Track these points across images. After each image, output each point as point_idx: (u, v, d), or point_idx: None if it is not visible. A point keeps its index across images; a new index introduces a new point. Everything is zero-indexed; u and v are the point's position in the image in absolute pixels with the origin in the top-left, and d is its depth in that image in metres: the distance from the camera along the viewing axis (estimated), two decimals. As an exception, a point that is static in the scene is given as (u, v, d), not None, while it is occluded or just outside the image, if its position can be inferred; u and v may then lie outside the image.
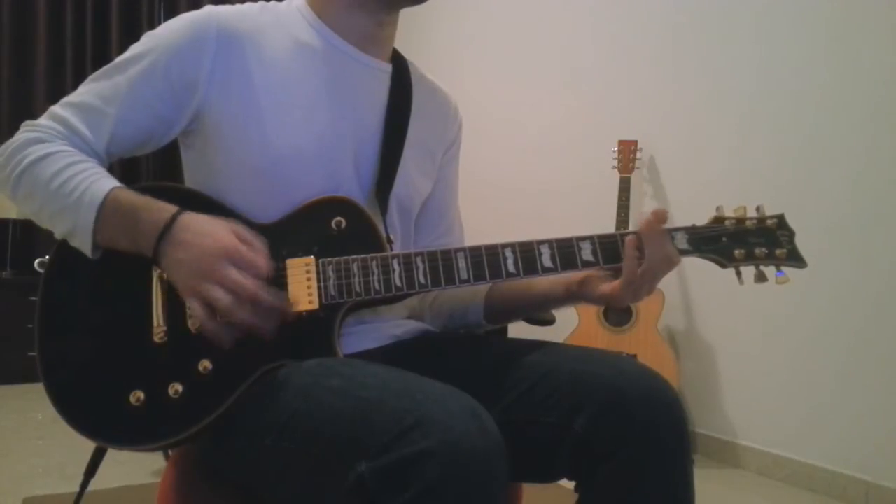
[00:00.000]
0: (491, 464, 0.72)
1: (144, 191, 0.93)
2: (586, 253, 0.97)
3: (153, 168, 4.33)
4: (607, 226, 2.81)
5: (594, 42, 3.33)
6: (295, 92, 1.00)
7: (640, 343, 2.74)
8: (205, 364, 0.90)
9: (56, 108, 0.99)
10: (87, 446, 0.92)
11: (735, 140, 2.75)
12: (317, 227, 0.96)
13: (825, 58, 2.50)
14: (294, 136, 0.98)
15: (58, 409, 0.89)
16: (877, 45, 2.37)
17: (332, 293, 0.92)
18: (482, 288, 1.12)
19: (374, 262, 0.94)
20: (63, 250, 0.94)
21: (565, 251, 0.97)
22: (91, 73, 1.01)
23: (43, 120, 0.98)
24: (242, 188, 0.98)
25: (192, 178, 1.05)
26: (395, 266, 0.94)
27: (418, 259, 0.94)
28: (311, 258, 0.93)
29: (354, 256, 0.94)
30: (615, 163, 2.89)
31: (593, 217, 3.19)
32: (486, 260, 0.95)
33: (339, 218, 0.97)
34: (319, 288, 0.92)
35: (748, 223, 1.02)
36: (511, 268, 0.96)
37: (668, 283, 2.85)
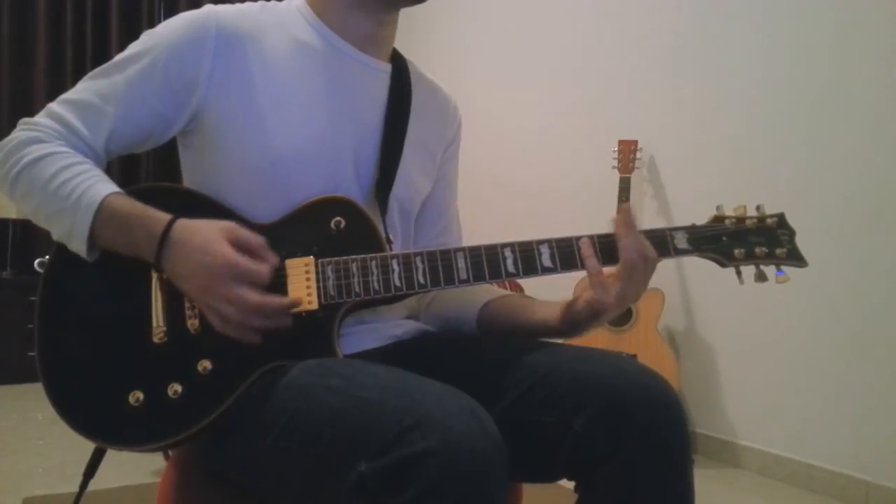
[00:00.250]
0: (490, 464, 0.72)
1: (143, 192, 0.93)
2: (586, 252, 0.97)
3: (152, 167, 4.33)
4: (607, 226, 2.80)
5: (594, 42, 3.33)
6: (294, 92, 1.00)
7: (640, 343, 2.74)
8: (204, 364, 0.90)
9: (54, 106, 0.99)
10: (87, 446, 0.92)
11: (735, 140, 2.74)
12: (316, 227, 0.96)
13: (825, 58, 2.49)
14: (293, 135, 0.98)
15: (57, 410, 0.89)
16: (877, 46, 2.37)
17: (332, 293, 0.92)
18: (476, 299, 1.11)
19: (374, 263, 0.94)
20: (63, 251, 0.94)
21: (565, 251, 0.97)
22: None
23: (41, 118, 0.98)
24: (241, 188, 0.98)
25: (191, 177, 1.05)
26: (395, 266, 0.94)
27: (417, 259, 0.94)
28: (311, 258, 0.93)
29: (354, 256, 0.94)
30: (615, 163, 2.89)
31: (593, 217, 3.19)
32: (486, 260, 0.95)
33: (338, 218, 0.97)
34: (319, 288, 0.92)
35: (748, 222, 1.02)
36: (511, 267, 0.96)
37: (668, 284, 2.85)
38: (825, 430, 2.47)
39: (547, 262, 0.96)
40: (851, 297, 2.41)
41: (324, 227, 0.96)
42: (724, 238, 1.01)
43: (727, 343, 2.79)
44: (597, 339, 2.76)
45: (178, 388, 0.89)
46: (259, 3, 1.06)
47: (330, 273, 0.93)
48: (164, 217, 0.90)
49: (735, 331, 2.75)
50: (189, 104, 0.98)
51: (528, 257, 0.96)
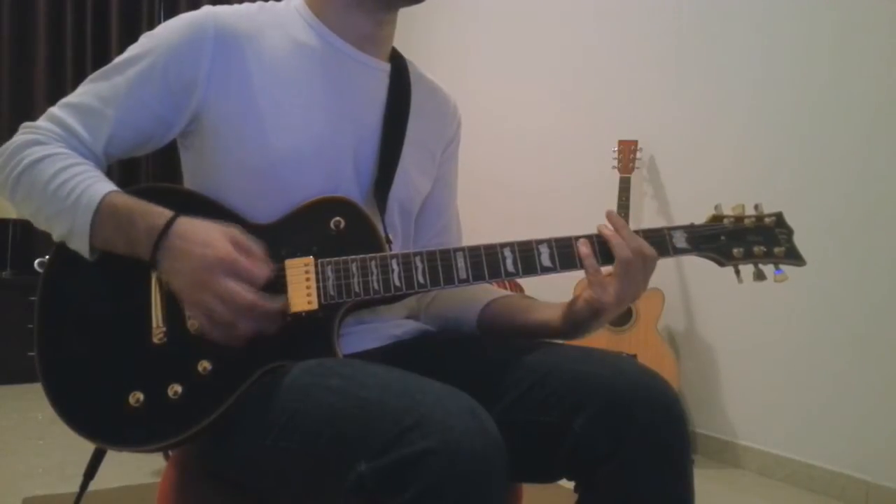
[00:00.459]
0: (490, 464, 0.72)
1: (143, 193, 0.93)
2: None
3: (152, 169, 4.33)
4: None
5: (594, 42, 3.33)
6: (293, 92, 1.00)
7: (640, 343, 2.74)
8: (204, 365, 0.90)
9: (54, 110, 0.99)
10: (87, 446, 0.92)
11: (735, 140, 2.74)
12: (316, 227, 0.96)
13: (825, 57, 2.49)
14: (293, 136, 0.98)
15: (56, 410, 0.89)
16: (877, 46, 2.37)
17: (332, 293, 0.92)
18: (477, 300, 1.11)
19: (373, 262, 0.94)
20: (62, 251, 0.94)
21: (564, 251, 0.97)
22: (91, 74, 1.01)
23: (41, 122, 0.98)
24: (241, 188, 0.98)
25: (191, 178, 1.05)
26: (394, 266, 0.94)
27: (417, 259, 0.94)
28: (310, 258, 0.93)
29: (353, 256, 0.94)
30: (615, 163, 2.89)
31: (593, 217, 3.17)
32: (486, 259, 0.95)
33: (337, 218, 0.97)
34: (318, 288, 0.92)
35: (746, 221, 1.02)
36: (510, 267, 0.96)
37: (668, 283, 2.85)
38: (825, 430, 2.47)
39: (546, 262, 0.96)
40: (851, 297, 2.41)
41: (323, 227, 0.96)
42: (723, 237, 1.01)
43: (727, 343, 2.79)
44: (597, 339, 2.76)
45: (178, 388, 0.89)
46: (257, 3, 1.06)
47: (330, 273, 0.93)
48: (167, 212, 0.90)
49: (735, 331, 2.75)
50: (188, 105, 0.98)
51: (527, 257, 0.96)
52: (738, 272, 1.01)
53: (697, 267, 2.72)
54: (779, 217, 1.03)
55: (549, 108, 3.54)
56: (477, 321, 1.10)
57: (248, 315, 0.87)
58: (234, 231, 0.90)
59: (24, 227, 3.82)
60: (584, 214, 3.28)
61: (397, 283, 0.93)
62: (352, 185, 1.02)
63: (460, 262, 0.95)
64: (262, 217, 0.97)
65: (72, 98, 0.99)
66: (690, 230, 1.00)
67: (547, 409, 0.89)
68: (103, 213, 0.90)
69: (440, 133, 1.17)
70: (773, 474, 2.60)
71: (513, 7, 3.76)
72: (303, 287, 0.92)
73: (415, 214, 1.13)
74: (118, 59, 1.00)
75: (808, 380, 2.52)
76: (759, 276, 1.01)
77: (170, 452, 1.04)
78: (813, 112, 2.52)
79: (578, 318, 1.00)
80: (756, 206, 1.04)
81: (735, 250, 1.00)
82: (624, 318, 2.77)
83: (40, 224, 0.95)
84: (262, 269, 0.89)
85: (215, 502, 0.97)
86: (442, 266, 0.95)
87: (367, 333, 1.02)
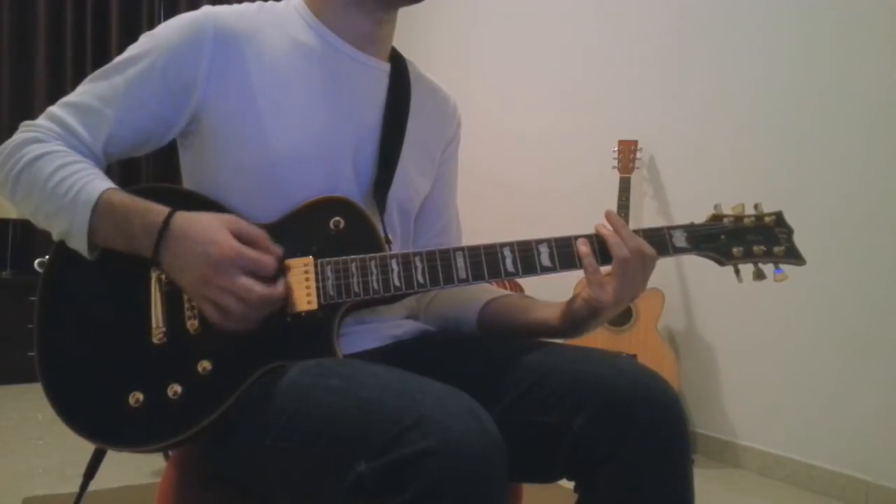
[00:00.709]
0: (490, 464, 0.72)
1: (143, 193, 0.93)
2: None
3: (152, 169, 4.33)
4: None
5: (594, 42, 3.33)
6: (293, 92, 1.00)
7: (640, 343, 2.74)
8: (204, 365, 0.90)
9: (54, 109, 0.99)
10: (87, 446, 0.92)
11: (735, 140, 2.74)
12: (315, 227, 0.96)
13: (826, 57, 2.49)
14: (292, 136, 0.98)
15: (56, 410, 0.89)
16: (877, 46, 2.37)
17: (331, 293, 0.92)
18: (477, 299, 1.11)
19: (373, 262, 0.94)
20: (62, 250, 0.94)
21: (564, 250, 0.97)
22: (91, 73, 1.01)
23: (41, 120, 0.99)
24: (241, 188, 0.98)
25: (191, 178, 1.05)
26: (394, 266, 0.94)
27: (417, 259, 0.94)
28: (310, 258, 0.93)
29: (353, 256, 0.94)
30: (615, 163, 2.89)
31: (593, 217, 3.17)
32: (485, 259, 0.95)
33: (337, 218, 0.97)
34: (318, 288, 0.92)
35: (746, 221, 1.02)
36: (510, 267, 0.96)
37: (667, 283, 2.85)
38: (825, 430, 2.47)
39: (546, 262, 0.96)
40: (851, 296, 2.41)
41: (323, 227, 0.96)
42: (723, 236, 1.01)
43: (727, 343, 2.79)
44: (597, 339, 2.76)
45: (177, 388, 0.89)
46: (257, 3, 1.06)
47: (329, 273, 0.93)
48: (164, 209, 0.90)
49: (735, 331, 2.75)
50: (187, 105, 0.98)
51: (527, 257, 0.96)
52: (737, 271, 1.01)
53: (697, 267, 2.72)
54: (779, 216, 1.03)
55: (549, 108, 3.53)
56: (477, 321, 1.10)
57: (261, 307, 0.88)
58: (234, 219, 0.90)
59: (24, 227, 3.82)
60: (584, 214, 3.28)
61: (397, 282, 0.93)
62: (351, 184, 1.02)
63: (460, 262, 0.95)
64: (262, 217, 0.97)
65: (71, 97, 0.99)
66: (690, 229, 1.00)
67: (547, 409, 0.89)
68: (101, 211, 0.90)
69: (440, 133, 1.17)
70: (773, 474, 2.60)
71: (513, 7, 3.76)
72: (302, 287, 0.92)
73: (414, 214, 1.13)
74: (118, 59, 1.00)
75: (808, 380, 2.52)
76: (759, 275, 1.01)
77: (170, 452, 1.04)
78: (813, 112, 2.52)
79: (577, 318, 1.00)
80: (756, 206, 1.04)
81: (735, 249, 1.00)
82: (624, 318, 2.77)
83: (40, 222, 0.95)
84: (268, 259, 0.89)
85: (215, 502, 0.97)
86: (441, 266, 0.95)
87: (366, 333, 1.02)
